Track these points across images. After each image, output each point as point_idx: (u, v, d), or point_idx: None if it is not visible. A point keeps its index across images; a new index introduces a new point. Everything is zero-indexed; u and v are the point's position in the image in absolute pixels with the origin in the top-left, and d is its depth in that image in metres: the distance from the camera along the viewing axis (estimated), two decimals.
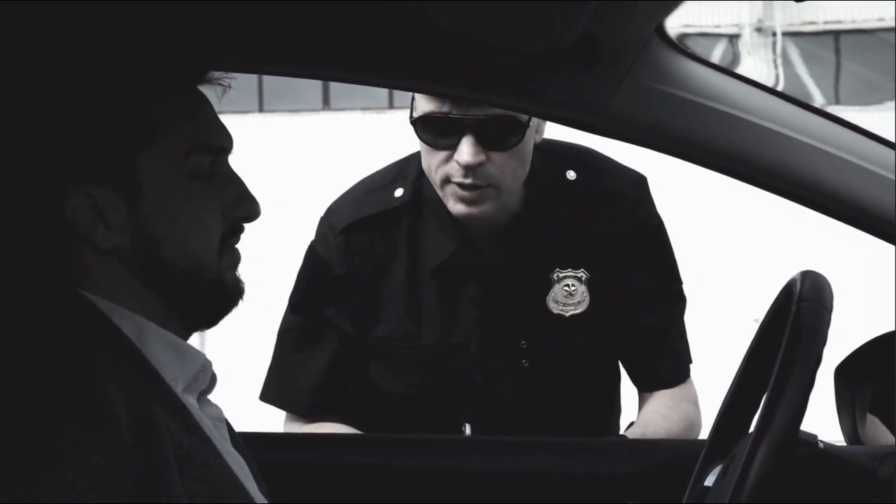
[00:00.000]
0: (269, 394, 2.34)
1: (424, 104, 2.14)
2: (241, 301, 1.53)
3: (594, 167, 2.30)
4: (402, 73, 1.72)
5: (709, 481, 1.73)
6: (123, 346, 1.41)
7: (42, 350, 1.35)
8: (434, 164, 2.17)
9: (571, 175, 2.28)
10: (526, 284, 2.27)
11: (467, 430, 2.18)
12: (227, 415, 1.58)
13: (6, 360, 1.34)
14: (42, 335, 1.37)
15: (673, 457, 2.02)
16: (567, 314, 2.26)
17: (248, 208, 1.52)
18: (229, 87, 1.56)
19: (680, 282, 2.38)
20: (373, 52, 1.66)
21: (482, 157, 2.12)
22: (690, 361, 2.39)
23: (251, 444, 1.61)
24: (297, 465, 2.07)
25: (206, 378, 1.49)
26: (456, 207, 2.18)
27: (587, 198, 2.28)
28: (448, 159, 2.14)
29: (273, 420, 2.40)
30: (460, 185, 2.15)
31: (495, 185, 2.15)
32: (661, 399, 2.32)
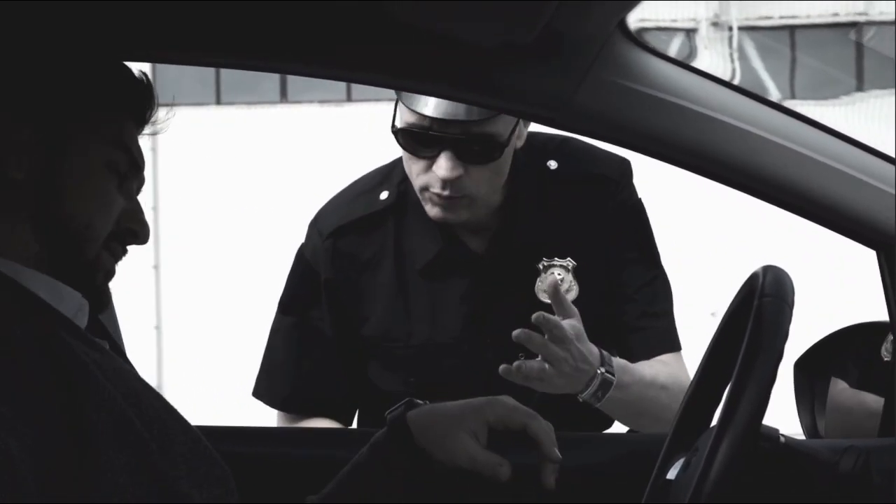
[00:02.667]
0: (260, 391, 2.39)
1: (407, 115, 2.17)
2: (99, 311, 1.59)
3: (575, 155, 2.32)
4: (361, 67, 1.71)
5: (671, 474, 1.74)
6: (8, 286, 1.46)
7: None
8: (414, 171, 2.21)
9: (553, 165, 2.31)
10: (514, 277, 2.29)
11: None
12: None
13: None
14: None
15: (635, 450, 2.03)
16: None
17: (139, 226, 1.59)
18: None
19: (660, 263, 2.38)
20: (331, 45, 1.66)
21: (459, 172, 2.16)
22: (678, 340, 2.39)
23: (244, 438, 1.61)
24: (286, 459, 2.07)
25: (83, 319, 1.54)
26: (433, 211, 2.22)
27: (569, 185, 2.31)
28: (427, 168, 2.18)
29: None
30: (437, 195, 2.18)
31: (470, 196, 2.19)
32: (651, 360, 2.31)
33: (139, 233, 1.59)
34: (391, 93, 2.20)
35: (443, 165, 2.14)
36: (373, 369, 2.32)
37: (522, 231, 2.28)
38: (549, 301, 2.27)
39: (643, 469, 1.83)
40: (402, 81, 1.85)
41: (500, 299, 2.28)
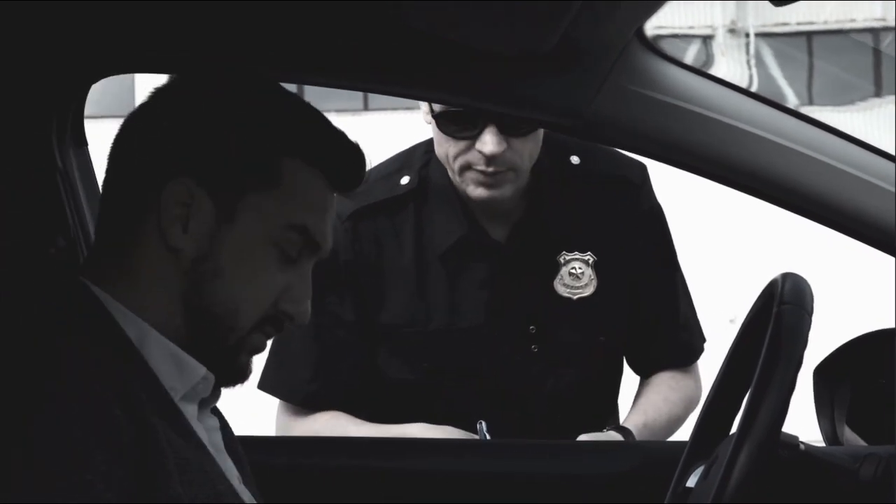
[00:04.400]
0: (267, 383, 2.35)
1: None
2: (234, 385, 1.50)
3: (596, 153, 2.33)
4: (381, 77, 1.72)
5: (691, 482, 1.74)
6: (123, 347, 1.39)
7: (37, 345, 1.35)
8: (452, 153, 2.20)
9: (575, 160, 2.32)
10: (534, 268, 2.29)
11: (483, 426, 2.19)
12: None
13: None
14: (39, 328, 1.37)
15: (655, 458, 2.03)
16: (574, 297, 2.29)
17: (300, 308, 1.48)
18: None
19: (679, 266, 2.41)
20: (350, 56, 1.66)
21: (504, 145, 2.16)
22: (703, 340, 2.42)
23: (256, 447, 1.60)
24: (301, 468, 2.07)
25: (207, 388, 1.47)
26: (476, 192, 2.21)
27: (592, 182, 2.32)
28: (468, 148, 2.18)
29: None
30: (482, 172, 2.18)
31: (514, 169, 2.20)
32: (664, 379, 2.36)
33: (295, 316, 1.48)
34: (408, 101, 2.20)
35: (488, 141, 2.14)
36: (383, 356, 2.31)
37: (544, 221, 2.29)
38: (567, 295, 2.27)
39: (663, 477, 1.82)
40: (422, 91, 1.86)
41: (518, 289, 2.29)
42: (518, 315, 2.28)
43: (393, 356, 2.31)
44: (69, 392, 1.30)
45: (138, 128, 1.46)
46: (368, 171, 2.39)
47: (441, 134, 2.21)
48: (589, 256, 2.30)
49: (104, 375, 1.33)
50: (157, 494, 1.31)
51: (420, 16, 1.57)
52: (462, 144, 2.18)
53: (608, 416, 2.39)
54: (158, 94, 1.49)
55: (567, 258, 2.30)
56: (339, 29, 1.64)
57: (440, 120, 2.19)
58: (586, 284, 2.29)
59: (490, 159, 2.16)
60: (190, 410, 1.45)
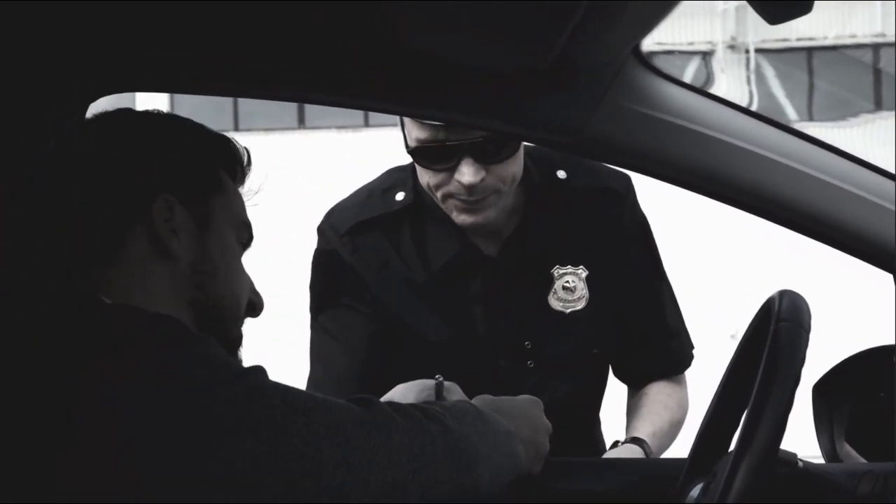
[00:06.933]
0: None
1: (417, 132, 2.16)
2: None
3: (581, 166, 2.33)
4: (377, 96, 1.72)
5: (690, 499, 1.74)
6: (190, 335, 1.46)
7: (62, 364, 1.37)
8: (433, 183, 2.20)
9: (562, 174, 2.32)
10: (527, 282, 2.30)
11: (442, 379, 2.18)
12: None
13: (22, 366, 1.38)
14: (64, 350, 1.39)
15: (653, 475, 2.02)
16: (567, 311, 2.29)
17: (257, 297, 1.61)
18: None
19: (665, 275, 2.42)
20: (346, 75, 1.67)
21: (483, 174, 2.15)
22: (692, 347, 2.43)
23: None
24: None
25: None
26: (461, 218, 2.21)
27: (578, 195, 2.32)
28: (448, 179, 2.17)
29: None
30: (464, 200, 2.18)
31: (497, 191, 2.19)
32: (659, 387, 2.37)
33: (257, 304, 1.62)
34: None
35: (465, 172, 2.14)
36: (391, 367, 2.32)
37: (534, 236, 2.29)
38: (560, 309, 2.28)
39: (662, 494, 1.82)
40: (421, 110, 1.86)
41: (512, 304, 2.29)
42: (513, 330, 2.29)
43: (399, 367, 2.31)
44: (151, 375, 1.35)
45: (108, 152, 1.54)
46: (362, 187, 2.41)
47: (420, 167, 2.22)
48: (581, 270, 2.31)
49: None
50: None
51: (417, 35, 1.58)
52: (441, 175, 2.18)
53: (593, 424, 2.40)
54: (103, 119, 1.60)
55: (560, 272, 2.30)
56: (338, 49, 1.64)
57: (416, 155, 2.19)
58: (579, 298, 2.30)
59: (470, 189, 2.15)
60: None
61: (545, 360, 2.29)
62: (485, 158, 2.14)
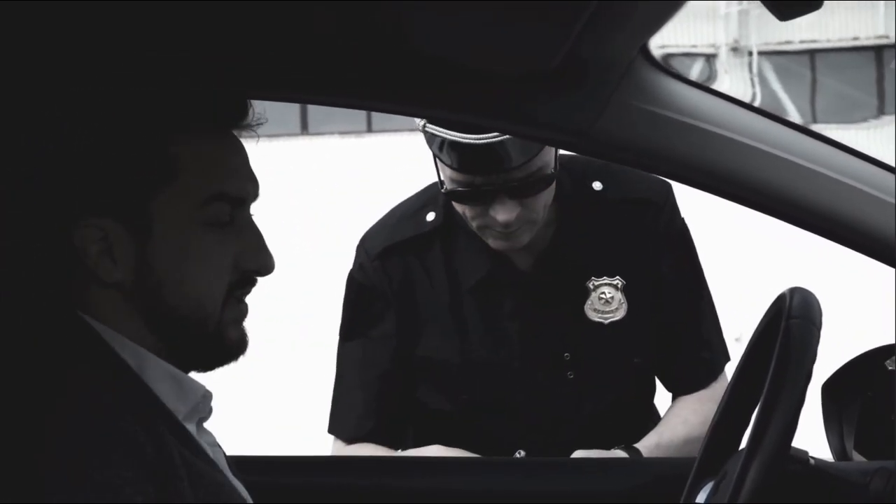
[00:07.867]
0: (332, 426, 2.39)
1: (452, 175, 2.17)
2: (241, 356, 1.50)
3: (618, 176, 2.33)
4: (386, 97, 1.72)
5: (700, 498, 1.74)
6: (126, 374, 1.41)
7: (46, 377, 1.35)
8: (469, 215, 2.22)
9: (598, 186, 2.32)
10: (563, 295, 2.30)
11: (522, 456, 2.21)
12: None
13: (8, 383, 1.35)
14: (45, 360, 1.38)
15: (664, 474, 2.02)
16: (606, 321, 2.30)
17: (261, 261, 1.49)
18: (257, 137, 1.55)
19: (706, 284, 2.40)
20: (356, 76, 1.67)
21: (518, 209, 2.17)
22: (727, 359, 2.41)
23: (271, 468, 1.59)
24: (308, 488, 2.08)
25: (205, 408, 1.49)
26: (496, 244, 2.23)
27: (615, 206, 2.32)
28: (483, 212, 2.19)
29: None
30: (500, 232, 2.19)
31: (531, 221, 2.20)
32: (687, 402, 2.36)
33: (262, 269, 1.49)
34: (411, 123, 2.21)
35: (500, 210, 2.16)
36: (421, 389, 2.34)
37: (569, 250, 2.29)
38: (598, 320, 2.27)
39: (673, 493, 1.82)
40: (428, 111, 1.86)
41: (549, 318, 2.29)
42: (551, 343, 2.29)
43: (431, 388, 2.33)
44: (82, 408, 1.31)
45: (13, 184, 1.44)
46: (394, 209, 2.41)
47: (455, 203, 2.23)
48: (618, 280, 2.30)
49: (116, 397, 1.35)
50: None
51: (423, 36, 1.58)
52: (477, 209, 2.19)
53: (643, 436, 2.38)
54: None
55: (596, 283, 2.30)
56: (347, 50, 1.64)
57: (451, 196, 2.21)
58: (617, 308, 2.29)
59: (506, 225, 2.17)
60: (191, 430, 1.46)
61: (585, 371, 2.29)
62: (518, 194, 2.15)
